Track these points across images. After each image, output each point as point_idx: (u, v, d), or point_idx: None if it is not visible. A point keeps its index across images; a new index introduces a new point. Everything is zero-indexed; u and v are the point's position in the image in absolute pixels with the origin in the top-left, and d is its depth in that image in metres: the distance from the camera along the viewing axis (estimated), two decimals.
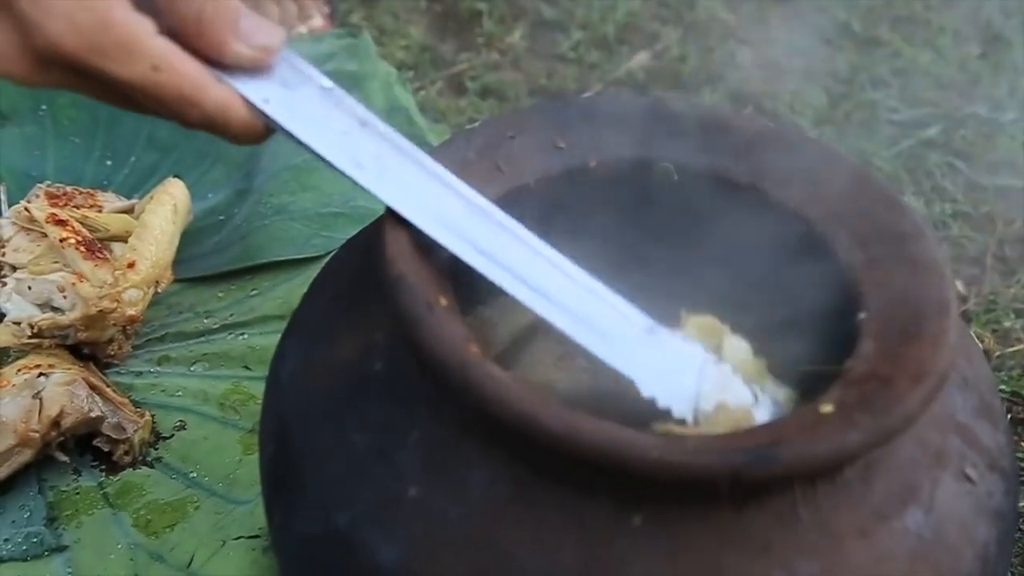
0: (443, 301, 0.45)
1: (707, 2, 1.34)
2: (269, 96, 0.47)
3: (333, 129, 0.48)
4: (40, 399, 0.66)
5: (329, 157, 0.47)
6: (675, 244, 0.58)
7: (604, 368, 0.59)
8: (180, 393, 0.74)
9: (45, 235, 0.74)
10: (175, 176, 0.85)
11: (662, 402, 0.48)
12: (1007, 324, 0.93)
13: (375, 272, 0.50)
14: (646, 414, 0.56)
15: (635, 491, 0.41)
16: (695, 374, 0.49)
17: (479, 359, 0.42)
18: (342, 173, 0.48)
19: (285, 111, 0.47)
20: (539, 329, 0.59)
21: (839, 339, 0.47)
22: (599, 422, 0.41)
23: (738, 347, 0.52)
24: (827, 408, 0.42)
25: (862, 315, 0.47)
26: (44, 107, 0.96)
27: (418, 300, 0.44)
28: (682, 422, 0.48)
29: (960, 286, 0.96)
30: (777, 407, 0.50)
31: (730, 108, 1.14)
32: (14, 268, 0.74)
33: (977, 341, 0.84)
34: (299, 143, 0.47)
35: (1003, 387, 0.86)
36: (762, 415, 0.49)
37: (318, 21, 1.20)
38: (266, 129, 0.47)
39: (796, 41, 1.28)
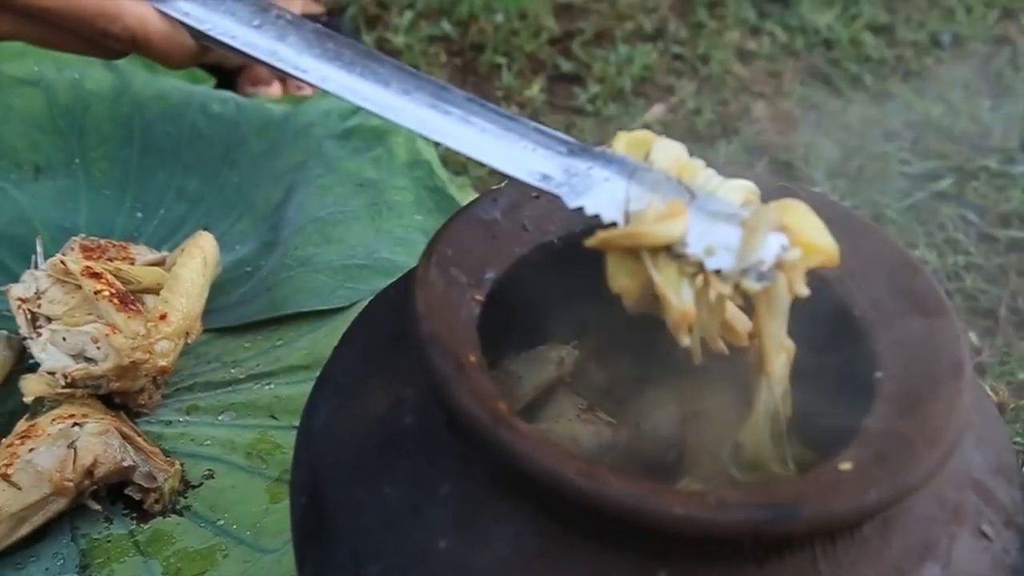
0: (472, 358, 0.47)
1: (721, 56, 1.37)
2: (189, 10, 0.51)
3: (251, 26, 0.54)
4: (75, 448, 0.68)
5: (250, 51, 0.54)
6: None
7: (626, 421, 0.60)
8: (208, 442, 0.76)
9: (80, 287, 0.76)
10: (204, 229, 0.87)
11: (590, 209, 0.50)
12: (1021, 376, 0.94)
13: (405, 328, 0.52)
14: (667, 467, 0.57)
15: (660, 546, 0.42)
16: (623, 180, 0.50)
17: (507, 416, 0.44)
18: (263, 63, 0.55)
19: (206, 22, 0.51)
20: (562, 383, 0.60)
21: (855, 397, 0.48)
22: (624, 478, 0.42)
23: (670, 147, 0.52)
24: (846, 466, 0.43)
25: (878, 374, 0.48)
26: (77, 160, 0.98)
27: (449, 358, 0.45)
28: (613, 224, 0.49)
29: (974, 338, 0.97)
30: (720, 207, 0.49)
31: (745, 162, 1.16)
32: (49, 319, 0.75)
33: (992, 394, 0.85)
34: (227, 48, 0.53)
35: (1017, 439, 0.87)
36: (697, 215, 0.48)
37: None
38: (199, 47, 0.51)
39: (809, 95, 1.30)
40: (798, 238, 0.47)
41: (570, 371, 0.61)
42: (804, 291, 0.47)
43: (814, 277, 0.54)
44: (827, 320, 0.53)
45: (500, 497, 0.44)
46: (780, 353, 0.50)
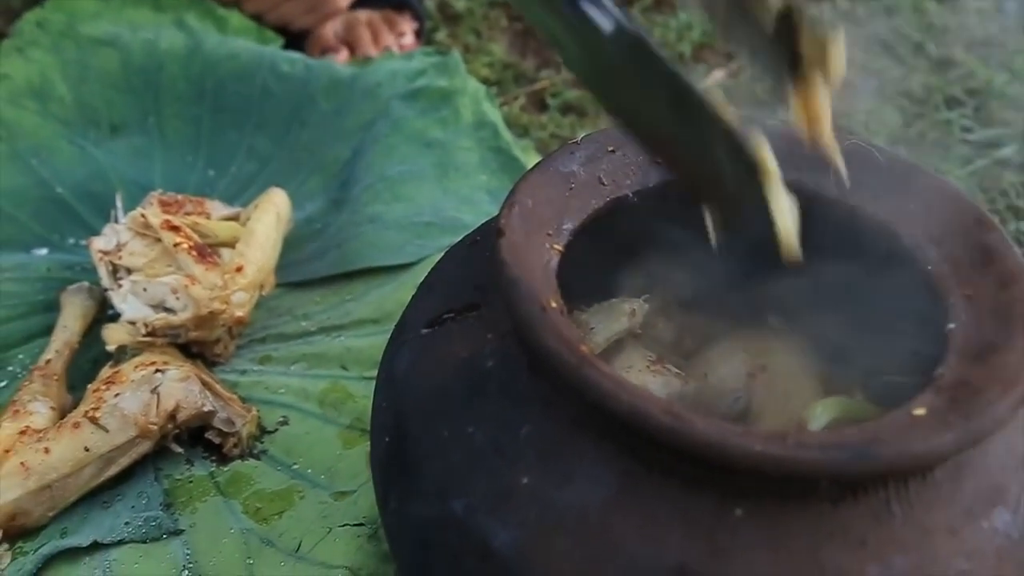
0: (554, 304, 0.48)
1: None
2: None
3: None
4: (158, 394, 0.70)
5: None
6: (765, 255, 0.59)
7: (694, 373, 0.61)
8: (282, 391, 0.78)
9: (159, 240, 0.78)
10: (274, 186, 0.89)
11: None
12: None
13: (486, 276, 0.54)
14: (733, 419, 0.58)
15: (738, 484, 0.43)
16: None
17: (591, 357, 0.45)
18: None
19: None
20: (632, 334, 0.61)
21: (930, 350, 0.49)
22: (706, 418, 0.43)
23: None
24: (920, 411, 0.44)
25: (951, 326, 0.49)
26: (152, 119, 1.01)
27: (533, 301, 0.47)
28: None
29: None
30: None
31: None
32: (130, 271, 0.77)
33: None
34: None
35: None
36: None
37: (409, 38, 1.24)
38: None
39: (871, 62, 1.30)
40: None
41: (640, 324, 0.62)
42: None
43: (887, 234, 0.55)
44: (901, 276, 0.54)
45: (582, 436, 0.46)
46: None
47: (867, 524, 0.43)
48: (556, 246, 0.53)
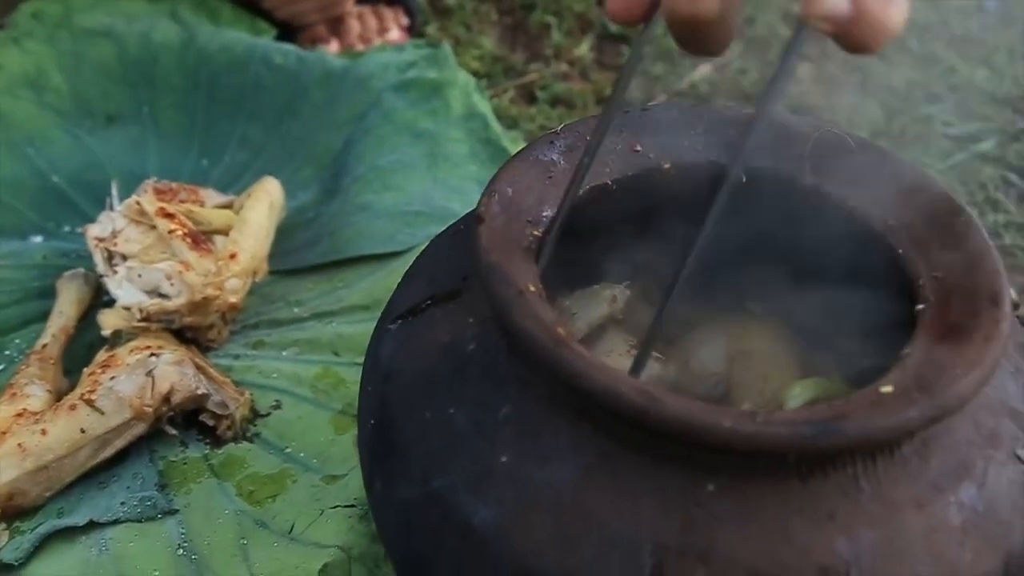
0: (532, 288, 0.49)
1: (767, 18, 1.38)
2: None
3: None
4: (152, 377, 0.71)
5: None
6: (742, 242, 0.60)
7: (675, 358, 0.63)
8: (275, 375, 0.79)
9: (154, 227, 0.79)
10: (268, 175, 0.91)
11: None
12: None
13: (468, 262, 0.54)
14: (716, 399, 0.60)
15: (709, 461, 0.44)
16: None
17: (567, 339, 0.46)
18: None
19: None
20: (613, 320, 0.63)
21: (899, 330, 0.50)
22: (677, 396, 0.44)
23: None
24: (887, 388, 0.45)
25: (920, 307, 0.50)
26: (146, 109, 1.02)
27: (510, 286, 0.48)
28: None
29: (1013, 294, 0.99)
30: None
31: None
32: (125, 257, 0.79)
33: None
34: None
35: None
36: None
37: (395, 33, 1.26)
38: None
39: (853, 57, 1.32)
40: None
41: (621, 310, 0.63)
42: None
43: (858, 222, 0.57)
44: (870, 259, 0.55)
45: (559, 416, 0.47)
46: None
47: (836, 499, 0.44)
48: (535, 232, 0.54)
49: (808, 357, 0.61)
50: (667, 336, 0.64)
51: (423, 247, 0.62)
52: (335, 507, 0.68)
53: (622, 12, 0.49)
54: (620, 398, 0.44)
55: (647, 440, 0.45)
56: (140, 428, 0.72)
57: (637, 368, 0.51)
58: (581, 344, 0.60)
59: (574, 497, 0.45)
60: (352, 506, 0.68)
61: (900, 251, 0.54)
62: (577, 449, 0.46)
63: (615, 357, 0.60)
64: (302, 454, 0.73)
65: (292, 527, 0.67)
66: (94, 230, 0.81)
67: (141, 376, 0.72)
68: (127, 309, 0.77)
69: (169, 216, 0.80)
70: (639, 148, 0.60)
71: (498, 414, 0.49)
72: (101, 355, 0.75)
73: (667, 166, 0.59)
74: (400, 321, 0.57)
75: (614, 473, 0.46)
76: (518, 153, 0.57)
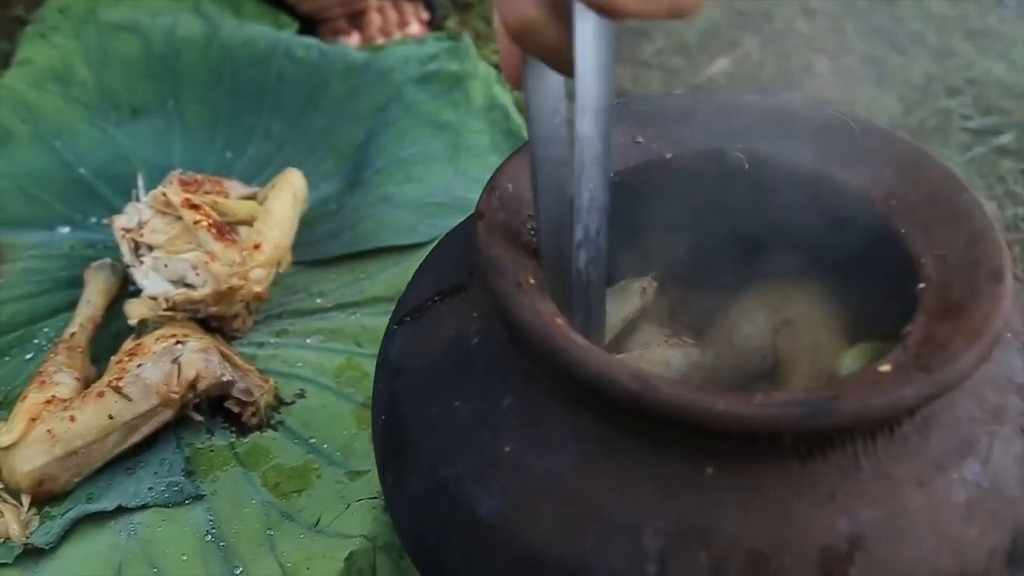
0: (531, 280, 0.50)
1: (785, 12, 1.38)
2: None
3: None
4: (179, 364, 0.73)
5: None
6: (746, 226, 0.61)
7: (717, 338, 0.63)
8: (300, 364, 0.80)
9: (180, 218, 0.80)
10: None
11: None
12: None
13: (470, 257, 0.56)
14: (764, 377, 0.60)
15: (707, 445, 0.45)
16: None
17: (565, 329, 0.47)
18: None
19: None
20: (646, 314, 0.63)
21: (900, 311, 0.50)
22: (671, 381, 0.44)
23: None
24: (885, 368, 0.45)
25: (920, 285, 0.50)
26: (171, 103, 1.04)
27: (508, 278, 0.49)
28: None
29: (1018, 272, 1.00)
30: None
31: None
32: (151, 248, 0.80)
33: None
34: None
35: None
36: None
37: (416, 27, 1.27)
38: None
39: (871, 50, 1.32)
40: None
41: (652, 301, 0.63)
42: None
43: (861, 198, 0.56)
44: (872, 239, 0.55)
45: (559, 404, 0.48)
46: None
47: (835, 479, 0.44)
48: (535, 227, 0.54)
49: (852, 318, 0.60)
50: (695, 325, 0.64)
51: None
52: (360, 500, 0.69)
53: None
54: (615, 385, 0.44)
55: (645, 426, 0.45)
56: (167, 414, 0.73)
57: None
58: (617, 340, 0.62)
59: (576, 484, 0.46)
60: (376, 498, 0.69)
61: (902, 231, 0.53)
62: (578, 437, 0.47)
63: (653, 348, 0.61)
64: (325, 446, 0.74)
65: (318, 520, 0.68)
66: (121, 221, 0.82)
67: (167, 363, 0.73)
68: (153, 299, 0.78)
69: (195, 207, 0.81)
70: (640, 139, 0.60)
71: (501, 405, 0.49)
72: (128, 343, 0.76)
73: (669, 156, 0.60)
74: (409, 318, 0.58)
75: (614, 459, 0.46)
76: (519, 149, 0.58)
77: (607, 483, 0.46)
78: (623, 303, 0.62)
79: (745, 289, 0.63)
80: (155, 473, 0.71)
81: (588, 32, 0.45)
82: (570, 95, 0.48)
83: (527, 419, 0.48)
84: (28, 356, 0.81)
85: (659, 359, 0.59)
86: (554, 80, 0.50)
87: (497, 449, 0.48)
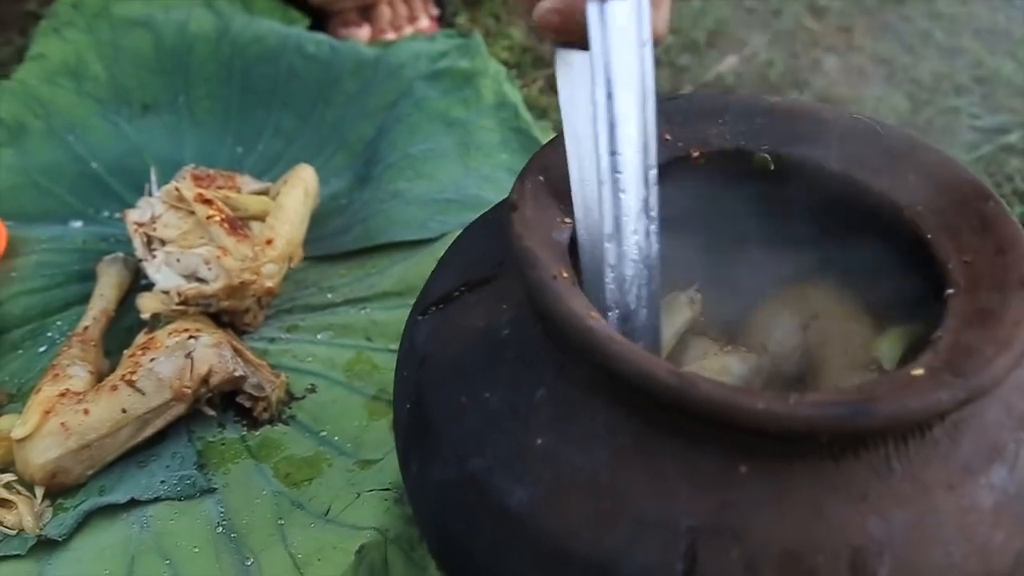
0: (565, 274, 0.50)
1: (793, 10, 1.39)
2: None
3: None
4: (191, 358, 0.73)
5: None
6: (771, 227, 0.61)
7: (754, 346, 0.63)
8: (310, 359, 0.81)
9: (192, 213, 0.81)
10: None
11: None
12: None
13: (501, 249, 0.55)
14: (789, 381, 0.60)
15: (742, 442, 0.45)
16: None
17: (602, 323, 0.47)
18: None
19: None
20: (697, 325, 0.63)
21: (930, 317, 0.50)
22: (709, 379, 0.45)
23: None
24: (918, 371, 0.45)
25: (949, 291, 0.50)
26: (182, 98, 1.04)
27: (545, 271, 0.49)
28: None
29: None
30: None
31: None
32: (163, 242, 0.80)
33: None
34: None
35: None
36: None
37: (425, 23, 1.27)
38: None
39: (879, 49, 1.32)
40: None
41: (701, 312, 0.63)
42: None
43: (888, 204, 0.56)
44: (900, 243, 0.55)
45: (594, 398, 0.48)
46: None
47: (868, 480, 0.45)
48: (567, 220, 0.54)
49: (874, 306, 0.61)
50: (723, 329, 0.64)
51: (455, 235, 0.63)
52: (371, 490, 0.69)
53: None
54: (654, 380, 0.44)
55: (681, 422, 0.45)
56: (179, 409, 0.73)
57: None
58: (673, 354, 0.61)
59: (609, 479, 0.46)
60: (387, 489, 0.69)
61: (929, 237, 0.54)
62: (612, 431, 0.47)
63: (711, 357, 0.61)
64: (336, 438, 0.74)
65: (328, 509, 0.69)
66: (133, 215, 0.82)
67: (180, 358, 0.73)
68: (165, 293, 0.78)
69: (207, 202, 0.81)
70: (668, 137, 0.60)
71: (533, 397, 0.49)
72: (141, 337, 0.77)
73: (696, 154, 0.60)
74: (434, 308, 0.58)
75: (649, 455, 0.46)
76: (551, 141, 0.58)
77: (640, 478, 0.46)
78: (674, 316, 0.62)
79: (767, 296, 0.63)
80: (167, 466, 0.72)
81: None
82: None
83: (560, 412, 0.48)
84: (41, 349, 0.82)
85: (718, 367, 0.59)
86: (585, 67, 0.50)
87: (528, 441, 0.48)
